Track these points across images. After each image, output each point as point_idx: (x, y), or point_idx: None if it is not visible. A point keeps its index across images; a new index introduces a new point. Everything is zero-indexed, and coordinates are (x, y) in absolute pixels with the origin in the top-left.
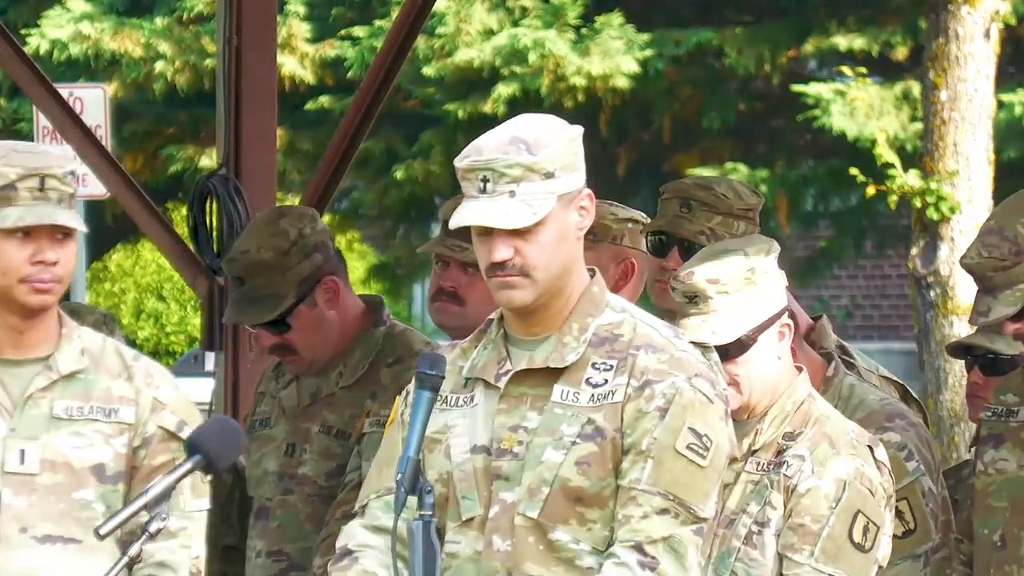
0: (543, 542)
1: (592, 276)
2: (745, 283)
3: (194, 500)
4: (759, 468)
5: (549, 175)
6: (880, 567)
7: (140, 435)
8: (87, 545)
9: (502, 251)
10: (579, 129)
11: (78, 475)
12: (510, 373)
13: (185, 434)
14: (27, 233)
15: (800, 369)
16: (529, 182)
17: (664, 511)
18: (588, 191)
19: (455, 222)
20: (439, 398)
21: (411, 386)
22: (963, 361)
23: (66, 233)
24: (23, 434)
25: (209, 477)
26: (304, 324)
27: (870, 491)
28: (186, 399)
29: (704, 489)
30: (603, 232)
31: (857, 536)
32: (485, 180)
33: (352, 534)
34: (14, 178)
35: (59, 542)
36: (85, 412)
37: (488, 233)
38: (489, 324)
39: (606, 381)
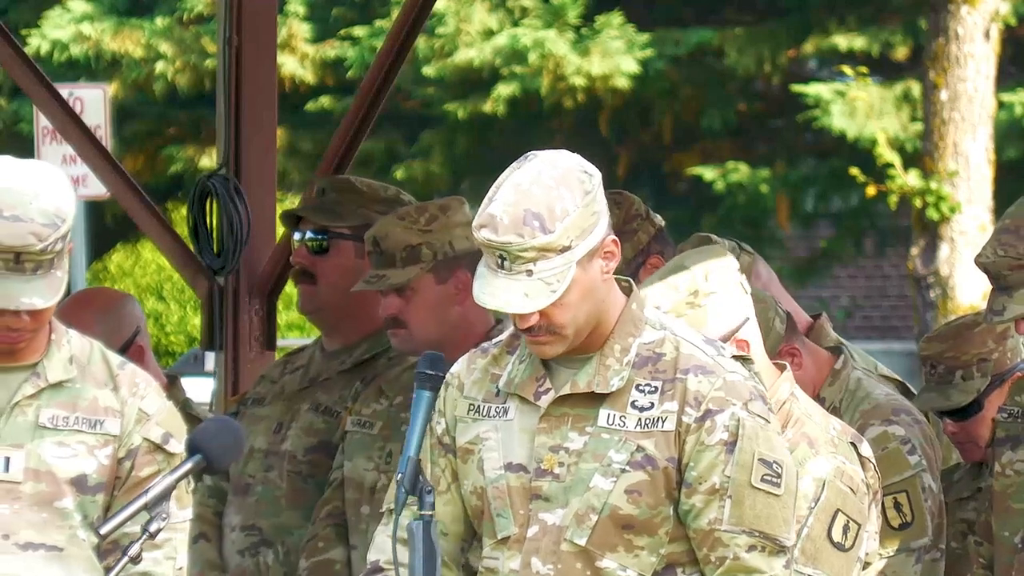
0: (590, 568)
1: (629, 293)
2: (687, 307)
3: (179, 511)
4: None
5: (566, 248)
6: (868, 564)
7: (125, 447)
8: (68, 553)
9: (528, 320)
10: (598, 179)
11: (61, 484)
12: (551, 393)
13: (171, 446)
14: None
15: (782, 368)
16: (546, 260)
17: (752, 547)
18: (612, 237)
19: (479, 298)
20: (471, 406)
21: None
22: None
23: None
24: (8, 441)
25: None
26: (342, 263)
27: (851, 489)
28: (172, 408)
29: (784, 517)
30: None
31: (837, 535)
32: (502, 258)
33: (384, 548)
34: None
35: (41, 549)
36: (71, 423)
37: None
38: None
39: (652, 404)
